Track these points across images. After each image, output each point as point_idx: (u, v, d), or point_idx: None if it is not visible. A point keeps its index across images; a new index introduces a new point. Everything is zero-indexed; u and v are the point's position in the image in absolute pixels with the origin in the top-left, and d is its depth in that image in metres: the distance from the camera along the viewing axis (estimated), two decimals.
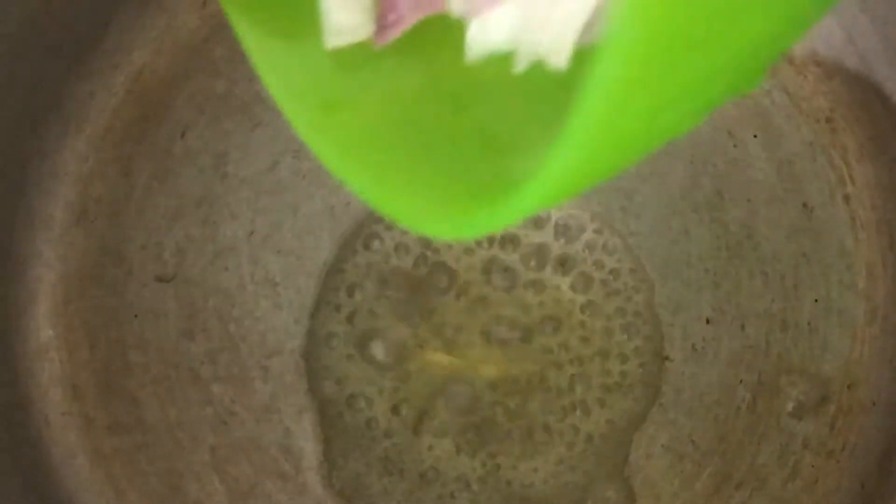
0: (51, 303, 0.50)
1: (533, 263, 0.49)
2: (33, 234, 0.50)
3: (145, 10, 0.51)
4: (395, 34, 0.26)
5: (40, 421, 0.49)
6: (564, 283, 0.49)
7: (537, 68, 0.24)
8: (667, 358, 0.48)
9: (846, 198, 0.49)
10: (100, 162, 0.50)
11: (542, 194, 0.20)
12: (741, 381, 0.48)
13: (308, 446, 0.49)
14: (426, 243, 0.49)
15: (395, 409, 0.48)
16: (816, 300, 0.48)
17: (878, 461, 0.47)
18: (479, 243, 0.49)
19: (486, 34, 0.24)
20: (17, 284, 0.49)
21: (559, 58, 0.24)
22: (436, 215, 0.22)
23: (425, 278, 0.49)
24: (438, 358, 0.48)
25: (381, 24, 0.26)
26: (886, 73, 0.47)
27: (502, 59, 0.24)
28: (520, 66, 0.24)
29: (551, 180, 0.20)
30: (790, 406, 0.48)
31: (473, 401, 0.48)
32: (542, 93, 0.24)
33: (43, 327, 0.50)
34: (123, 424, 0.49)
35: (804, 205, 0.49)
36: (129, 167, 0.50)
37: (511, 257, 0.49)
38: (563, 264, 0.49)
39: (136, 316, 0.49)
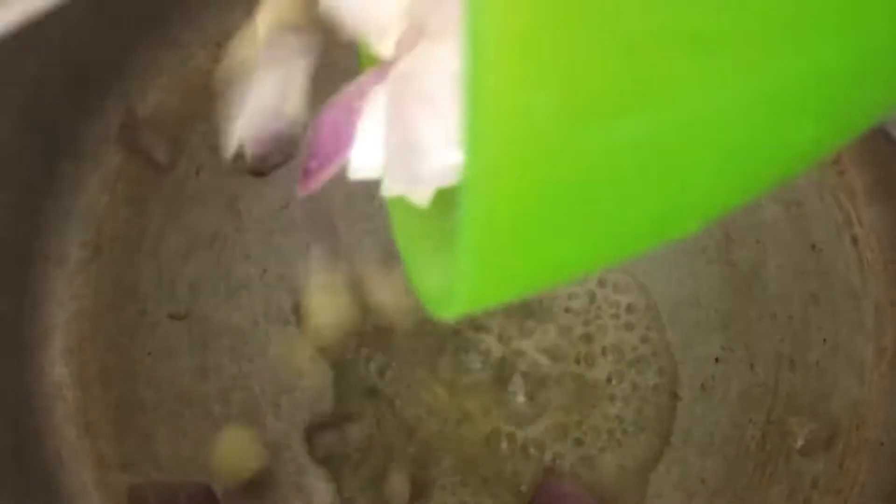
0: (65, 340, 0.50)
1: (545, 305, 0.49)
2: (48, 271, 0.50)
3: (160, 52, 0.51)
4: (317, 183, 0.28)
5: (53, 457, 0.49)
6: (577, 322, 0.49)
7: None
8: (677, 397, 0.49)
9: (854, 239, 0.49)
10: (114, 201, 0.51)
11: (466, 299, 0.24)
12: (750, 420, 0.48)
13: (320, 485, 0.49)
14: None
15: (407, 450, 0.49)
16: (825, 340, 0.49)
17: (887, 500, 0.47)
18: None
19: (360, 166, 0.28)
20: (32, 322, 0.50)
21: (420, 200, 0.27)
22: (430, 299, 0.27)
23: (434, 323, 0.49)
24: (449, 400, 0.49)
25: (304, 172, 0.28)
26: (893, 115, 0.48)
27: None
28: (383, 193, 0.28)
29: (464, 290, 0.23)
30: (799, 445, 0.48)
31: (487, 443, 0.48)
32: None
33: (57, 364, 0.50)
34: (136, 462, 0.49)
35: (812, 246, 0.49)
36: (143, 206, 0.51)
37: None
38: (575, 308, 0.49)
39: (149, 353, 0.50)
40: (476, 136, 0.19)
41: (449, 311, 0.24)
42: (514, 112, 0.19)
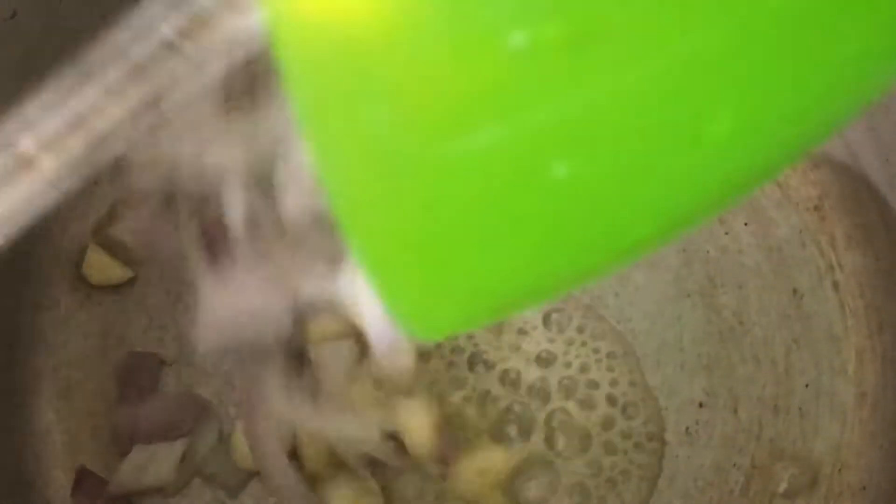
0: (53, 386, 0.50)
1: (524, 356, 0.50)
2: (38, 318, 0.50)
3: None
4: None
5: (42, 502, 0.49)
6: (554, 373, 0.49)
7: None
8: (663, 441, 0.49)
9: (835, 284, 0.50)
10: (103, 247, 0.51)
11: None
12: (734, 465, 0.49)
13: None
14: None
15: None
16: (807, 385, 0.49)
17: None
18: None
19: None
20: (21, 368, 0.50)
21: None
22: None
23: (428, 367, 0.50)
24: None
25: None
26: (872, 162, 0.48)
27: None
28: None
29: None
30: (782, 489, 0.48)
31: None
32: None
33: (46, 410, 0.50)
34: None
35: (794, 291, 0.50)
36: (132, 253, 0.51)
37: (499, 350, 0.50)
38: (549, 359, 0.49)
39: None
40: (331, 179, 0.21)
41: (418, 335, 0.25)
42: (357, 135, 0.20)
